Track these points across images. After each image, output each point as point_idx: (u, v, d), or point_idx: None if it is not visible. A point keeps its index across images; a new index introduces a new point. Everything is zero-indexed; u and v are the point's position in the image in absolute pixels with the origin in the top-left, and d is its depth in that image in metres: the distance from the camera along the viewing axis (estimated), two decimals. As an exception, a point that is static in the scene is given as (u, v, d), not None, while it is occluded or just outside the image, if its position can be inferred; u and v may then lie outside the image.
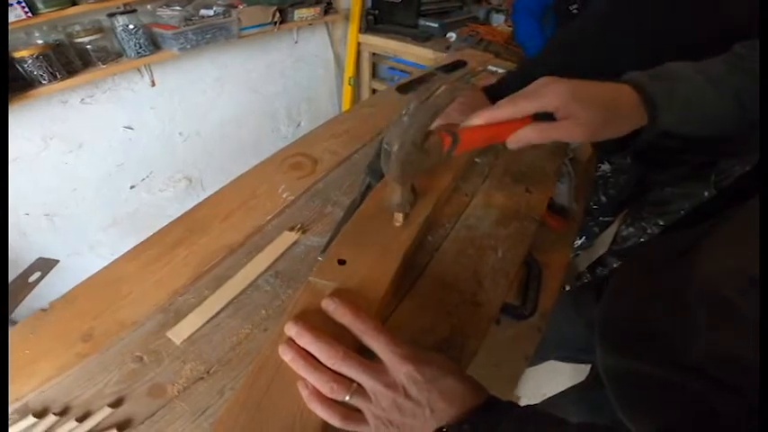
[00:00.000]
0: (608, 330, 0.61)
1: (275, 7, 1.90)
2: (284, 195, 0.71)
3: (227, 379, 0.47)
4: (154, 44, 1.63)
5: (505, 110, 0.49)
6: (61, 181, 1.69)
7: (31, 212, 1.66)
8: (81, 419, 0.43)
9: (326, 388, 0.39)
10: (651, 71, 0.51)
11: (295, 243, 0.62)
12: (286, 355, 0.42)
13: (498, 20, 2.41)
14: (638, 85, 0.49)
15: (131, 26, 1.52)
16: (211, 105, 2.06)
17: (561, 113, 0.48)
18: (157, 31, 1.61)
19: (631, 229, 1.35)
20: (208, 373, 0.47)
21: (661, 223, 1.18)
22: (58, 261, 0.67)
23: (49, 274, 0.67)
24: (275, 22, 1.93)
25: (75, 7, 1.40)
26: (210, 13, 1.69)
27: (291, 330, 0.43)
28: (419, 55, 2.18)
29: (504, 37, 1.91)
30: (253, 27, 1.86)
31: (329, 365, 0.40)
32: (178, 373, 0.47)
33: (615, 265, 1.58)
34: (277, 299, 0.55)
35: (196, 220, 0.66)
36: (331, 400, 0.40)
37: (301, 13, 2.05)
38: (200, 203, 0.69)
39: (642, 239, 1.30)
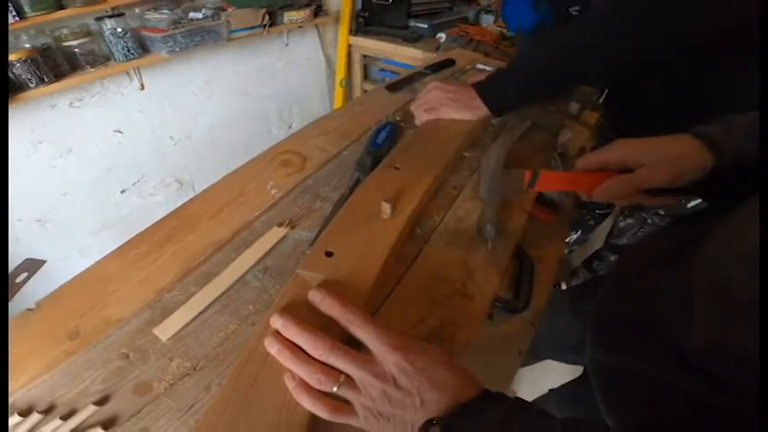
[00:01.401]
0: (602, 325, 0.61)
1: (264, 10, 1.90)
2: (273, 192, 0.70)
3: (213, 375, 0.46)
4: (142, 47, 1.62)
5: (591, 158, 0.57)
6: (51, 185, 1.67)
7: (24, 218, 1.65)
8: (66, 418, 0.42)
9: (313, 379, 0.39)
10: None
11: (284, 238, 0.62)
12: (272, 348, 0.41)
13: (488, 20, 2.43)
14: (696, 133, 0.53)
15: (119, 29, 1.51)
16: (202, 108, 2.05)
17: (635, 162, 0.53)
18: (146, 35, 1.61)
19: (630, 221, 1.34)
20: (194, 369, 0.47)
21: (662, 213, 1.18)
22: (44, 261, 0.67)
23: (39, 280, 0.66)
24: (265, 25, 1.93)
25: (63, 11, 1.40)
26: (199, 16, 1.69)
27: (277, 323, 0.42)
28: (409, 56, 2.19)
29: (493, 37, 1.92)
30: (242, 30, 1.86)
31: (316, 356, 0.40)
32: (164, 369, 0.46)
33: (612, 258, 1.58)
34: (265, 294, 0.54)
35: (184, 218, 0.66)
36: (318, 391, 0.39)
37: (291, 16, 2.05)
38: (188, 201, 0.69)
39: (642, 230, 1.30)
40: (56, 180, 1.67)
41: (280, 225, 0.64)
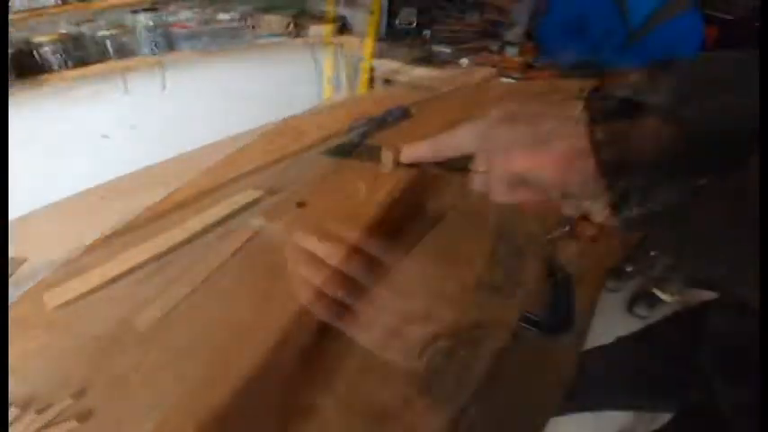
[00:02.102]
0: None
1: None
2: (249, 188, 0.68)
3: (191, 365, 0.42)
4: (126, 50, 1.65)
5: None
6: (38, 190, 1.64)
7: (10, 222, 1.62)
8: (41, 411, 0.39)
9: (328, 286, 0.38)
10: None
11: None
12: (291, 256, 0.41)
13: (512, 52, 2.41)
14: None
15: (99, 33, 1.55)
16: (189, 112, 2.02)
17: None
18: (127, 38, 1.64)
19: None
20: (172, 360, 0.43)
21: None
22: (26, 259, 0.65)
23: (26, 281, 0.62)
24: (290, 34, 1.98)
25: (35, 10, 1.42)
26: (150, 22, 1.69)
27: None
28: (429, 75, 2.18)
29: (514, 64, 1.93)
30: (269, 36, 1.92)
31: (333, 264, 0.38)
32: (142, 361, 0.43)
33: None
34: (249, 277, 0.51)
35: (164, 208, 0.67)
36: (330, 298, 0.38)
37: (315, 30, 2.10)
38: (167, 194, 0.71)
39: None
40: (43, 184, 1.64)
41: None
